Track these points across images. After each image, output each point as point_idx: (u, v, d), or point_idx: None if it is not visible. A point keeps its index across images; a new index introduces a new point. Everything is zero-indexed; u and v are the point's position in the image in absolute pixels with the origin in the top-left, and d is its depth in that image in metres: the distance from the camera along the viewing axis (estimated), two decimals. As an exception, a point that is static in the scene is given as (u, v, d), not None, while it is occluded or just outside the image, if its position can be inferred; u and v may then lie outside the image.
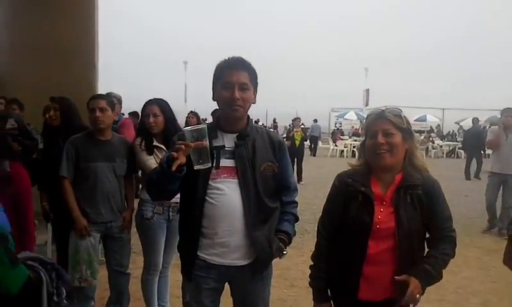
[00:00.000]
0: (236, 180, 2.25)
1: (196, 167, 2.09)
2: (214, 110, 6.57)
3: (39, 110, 5.24)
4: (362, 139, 2.32)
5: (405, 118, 2.20)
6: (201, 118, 9.18)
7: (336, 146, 23.44)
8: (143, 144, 3.48)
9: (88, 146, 3.37)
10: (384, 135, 2.13)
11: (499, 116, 8.35)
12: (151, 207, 3.45)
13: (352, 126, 33.63)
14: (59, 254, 3.85)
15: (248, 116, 2.40)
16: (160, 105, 3.56)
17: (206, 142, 2.06)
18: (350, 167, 2.31)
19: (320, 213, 2.34)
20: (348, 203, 2.18)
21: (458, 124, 31.74)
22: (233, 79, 2.22)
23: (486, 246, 6.49)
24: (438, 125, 34.79)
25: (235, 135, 2.31)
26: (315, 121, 24.47)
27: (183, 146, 2.02)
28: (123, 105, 5.80)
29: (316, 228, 2.34)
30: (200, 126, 2.08)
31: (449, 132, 33.44)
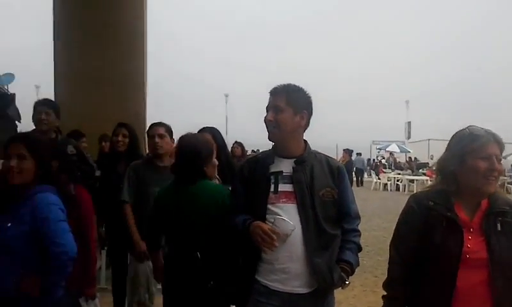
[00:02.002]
0: (295, 204, 2.25)
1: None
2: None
3: (92, 139, 5.49)
4: (449, 156, 2.04)
5: None
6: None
7: (379, 179, 22.96)
8: None
9: (147, 172, 3.47)
10: (498, 161, 1.95)
11: None
12: None
13: (395, 159, 32.94)
14: (114, 278, 3.92)
15: (305, 141, 2.43)
16: (213, 133, 3.62)
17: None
18: (426, 188, 2.20)
19: (389, 240, 2.21)
20: (430, 228, 1.99)
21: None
22: (269, 102, 2.32)
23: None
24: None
25: (292, 160, 2.32)
26: (359, 154, 24.38)
27: (268, 241, 2.12)
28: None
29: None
30: (290, 232, 2.17)
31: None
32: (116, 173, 3.87)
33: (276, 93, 2.32)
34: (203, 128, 3.69)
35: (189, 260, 2.54)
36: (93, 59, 6.82)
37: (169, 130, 3.57)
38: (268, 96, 2.36)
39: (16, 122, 13.41)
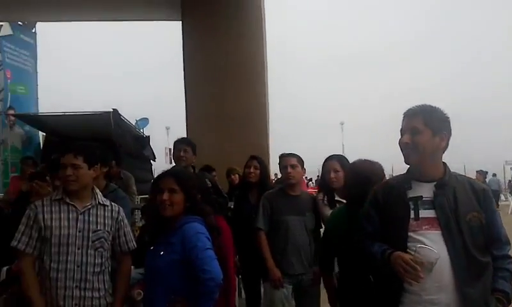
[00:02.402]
0: (439, 232, 2.13)
1: None
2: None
3: (220, 172, 5.86)
4: None
5: None
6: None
7: (517, 201, 20.55)
8: (325, 199, 3.57)
9: (280, 201, 3.60)
10: None
11: None
12: None
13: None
14: (248, 305, 4.06)
15: (444, 163, 2.30)
16: (341, 160, 3.63)
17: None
18: None
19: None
20: None
21: None
22: (405, 124, 2.22)
23: None
24: None
25: (432, 184, 2.21)
26: (494, 175, 22.35)
27: (412, 272, 2.03)
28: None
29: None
30: (435, 261, 2.04)
31: None
32: (248, 203, 4.07)
33: (412, 114, 2.23)
34: (330, 156, 3.72)
35: (363, 283, 2.54)
36: (219, 100, 7.34)
37: (300, 160, 3.69)
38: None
39: (151, 161, 14.79)
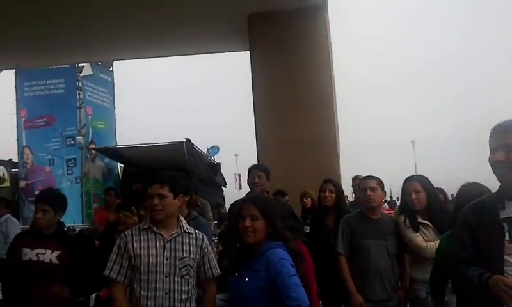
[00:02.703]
0: None
1: None
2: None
3: (292, 197, 5.83)
4: None
5: None
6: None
7: None
8: (407, 221, 3.44)
9: (360, 224, 3.52)
10: None
11: None
12: (424, 287, 3.28)
13: None
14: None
15: None
16: (422, 181, 3.50)
17: None
18: None
19: None
20: None
21: None
22: (499, 141, 2.09)
23: None
24: None
25: None
26: None
27: None
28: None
29: None
30: None
31: None
32: (325, 227, 4.02)
33: (506, 129, 2.10)
34: (410, 176, 3.60)
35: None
36: (288, 126, 7.40)
37: (380, 183, 3.60)
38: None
39: (223, 187, 15.10)
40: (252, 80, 7.76)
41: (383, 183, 3.63)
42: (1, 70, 7.90)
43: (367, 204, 3.53)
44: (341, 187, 4.28)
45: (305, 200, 5.82)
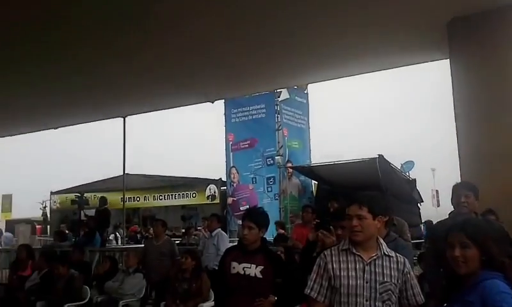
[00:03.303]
0: None
1: None
2: None
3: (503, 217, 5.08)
4: None
5: None
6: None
7: None
8: None
9: None
10: None
11: None
12: None
13: None
14: None
15: None
16: None
17: None
18: None
19: None
20: None
21: None
22: None
23: None
24: None
25: None
26: None
27: None
28: None
29: None
30: None
31: None
32: None
33: None
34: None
35: None
36: (496, 138, 6.55)
37: None
38: None
39: (418, 204, 14.24)
40: (453, 90, 7.12)
41: None
42: (214, 101, 9.04)
43: None
44: None
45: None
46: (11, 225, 26.34)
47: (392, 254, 2.66)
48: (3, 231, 26.03)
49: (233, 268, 3.43)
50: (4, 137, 11.61)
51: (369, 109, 54.30)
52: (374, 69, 8.20)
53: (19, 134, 11.61)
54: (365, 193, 2.75)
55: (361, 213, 2.59)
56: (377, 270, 2.58)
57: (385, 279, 2.56)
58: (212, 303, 5.04)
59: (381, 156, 10.40)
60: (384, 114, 55.09)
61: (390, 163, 11.06)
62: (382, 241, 2.70)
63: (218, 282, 3.71)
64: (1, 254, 11.32)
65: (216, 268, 4.97)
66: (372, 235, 2.63)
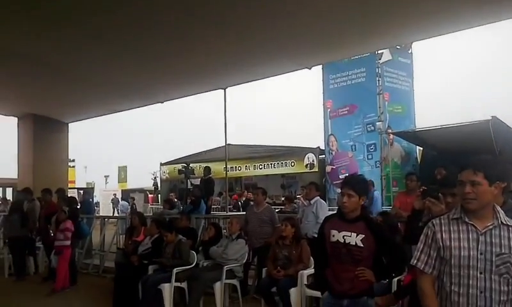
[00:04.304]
0: None
1: None
2: None
3: None
4: None
5: None
6: None
7: None
8: None
9: None
10: None
11: None
12: None
13: None
14: None
15: None
16: None
17: None
18: None
19: None
20: None
21: None
22: None
23: None
24: None
25: None
26: None
27: None
28: None
29: None
30: None
31: None
32: None
33: None
34: None
35: None
36: None
37: None
38: None
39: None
40: None
41: None
42: (311, 67, 8.79)
43: None
44: None
45: None
46: (126, 194, 28.89)
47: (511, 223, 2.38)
48: (119, 199, 28.74)
49: (333, 236, 3.36)
50: (118, 112, 12.58)
51: (479, 67, 49.41)
52: (488, 21, 7.29)
53: (130, 109, 12.48)
54: (480, 157, 2.48)
55: (476, 179, 2.34)
56: (493, 240, 2.34)
57: (503, 251, 2.32)
58: (312, 270, 5.04)
59: (494, 117, 9.50)
60: (495, 73, 49.90)
61: (506, 124, 10.04)
62: (499, 209, 2.43)
63: (317, 250, 3.67)
64: (118, 221, 12.42)
65: (315, 236, 4.94)
66: (488, 202, 2.37)
